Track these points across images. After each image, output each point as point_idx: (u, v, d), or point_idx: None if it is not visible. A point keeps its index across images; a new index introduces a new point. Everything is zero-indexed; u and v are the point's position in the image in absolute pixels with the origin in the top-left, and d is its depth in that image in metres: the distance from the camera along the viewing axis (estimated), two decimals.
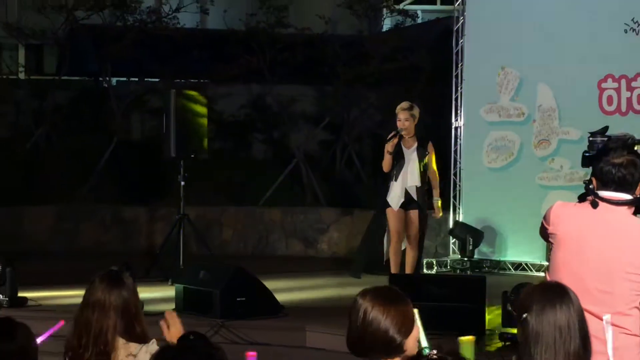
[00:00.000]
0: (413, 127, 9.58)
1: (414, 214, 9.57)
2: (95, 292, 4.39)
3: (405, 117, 9.54)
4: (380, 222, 10.15)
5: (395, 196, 9.57)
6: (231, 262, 11.33)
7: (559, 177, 11.91)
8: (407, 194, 9.56)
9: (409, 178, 9.51)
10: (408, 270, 9.82)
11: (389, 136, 9.60)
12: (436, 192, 10.00)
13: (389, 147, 9.51)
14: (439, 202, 10.00)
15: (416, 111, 9.60)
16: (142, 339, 4.37)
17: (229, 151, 17.05)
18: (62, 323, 4.01)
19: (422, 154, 9.53)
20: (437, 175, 10.01)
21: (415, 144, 9.55)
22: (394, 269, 9.78)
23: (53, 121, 17.06)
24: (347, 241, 14.29)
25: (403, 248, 9.84)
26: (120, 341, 4.31)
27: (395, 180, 9.56)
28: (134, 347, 4.32)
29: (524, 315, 3.59)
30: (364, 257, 11.83)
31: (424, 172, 9.63)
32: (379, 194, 14.88)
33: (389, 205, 9.65)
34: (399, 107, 9.65)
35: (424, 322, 4.11)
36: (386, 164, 9.61)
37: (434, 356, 2.96)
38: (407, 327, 3.75)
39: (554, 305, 3.62)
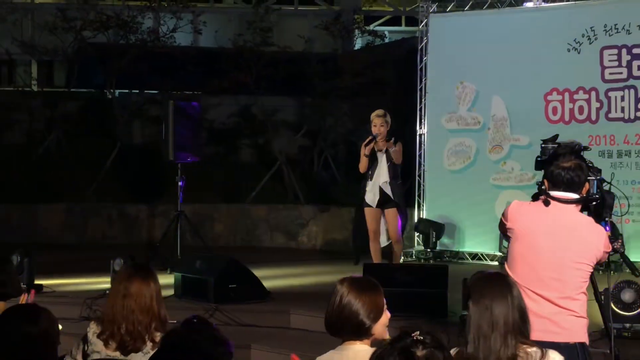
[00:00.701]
0: (386, 132, 9.49)
1: (392, 211, 9.43)
2: (126, 280, 4.39)
3: (380, 123, 9.38)
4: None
5: (371, 194, 9.44)
6: (223, 253, 11.32)
7: (510, 178, 11.92)
8: (383, 193, 9.40)
9: (381, 176, 9.44)
10: (396, 260, 9.77)
11: (366, 141, 9.44)
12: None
13: (366, 150, 9.38)
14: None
15: (389, 118, 9.52)
16: (164, 323, 4.42)
17: (219, 155, 17.01)
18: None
19: (390, 153, 9.43)
20: (400, 156, 9.58)
21: (386, 147, 9.47)
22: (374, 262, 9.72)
23: (63, 128, 17.01)
24: (324, 234, 14.31)
25: (388, 243, 9.72)
26: (150, 327, 4.36)
27: (371, 179, 9.43)
28: (157, 334, 4.35)
29: (469, 302, 3.66)
30: (359, 246, 11.73)
31: (392, 167, 9.43)
32: (353, 193, 15.00)
33: (367, 204, 9.52)
34: (374, 114, 9.50)
35: (394, 307, 4.13)
36: (363, 165, 9.48)
37: (417, 337, 2.92)
38: (376, 314, 3.82)
39: (492, 292, 3.67)
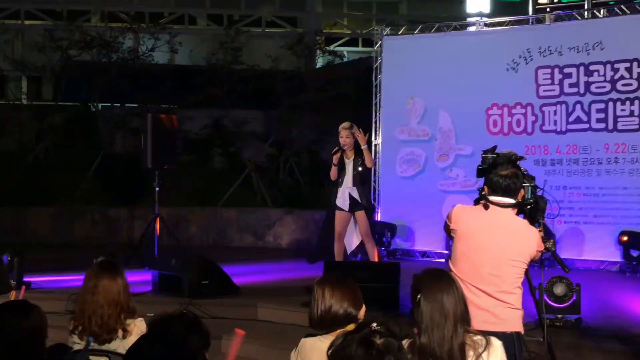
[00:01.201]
0: (352, 143, 9.36)
1: (360, 214, 9.31)
2: (96, 277, 4.35)
3: (346, 135, 9.24)
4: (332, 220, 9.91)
5: (341, 199, 9.34)
6: (196, 252, 11.25)
7: (456, 183, 11.94)
8: (352, 197, 9.30)
9: (348, 183, 9.40)
10: (372, 258, 9.59)
11: (333, 151, 9.36)
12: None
13: (334, 160, 9.31)
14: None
15: (355, 129, 9.47)
16: (132, 313, 4.38)
17: (194, 163, 16.93)
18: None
19: (356, 161, 9.36)
20: (371, 160, 9.51)
21: (353, 156, 9.33)
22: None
23: (51, 138, 16.89)
24: (289, 235, 14.27)
25: (358, 243, 9.61)
26: (118, 315, 4.32)
27: (340, 186, 9.33)
28: (128, 320, 4.33)
29: (418, 297, 3.64)
30: (317, 247, 11.70)
31: (360, 175, 9.29)
32: (316, 197, 15.01)
33: (338, 208, 9.42)
34: (341, 126, 9.36)
35: None
36: (333, 173, 9.37)
37: (374, 328, 2.94)
38: (359, 302, 3.93)
39: (441, 287, 3.67)
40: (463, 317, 3.65)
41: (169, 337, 2.82)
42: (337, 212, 9.46)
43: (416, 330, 3.64)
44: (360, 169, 9.32)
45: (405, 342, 3.57)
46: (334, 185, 9.51)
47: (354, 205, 9.33)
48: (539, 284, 6.60)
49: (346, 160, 9.35)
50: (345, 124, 9.45)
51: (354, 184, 9.31)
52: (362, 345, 2.85)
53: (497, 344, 3.70)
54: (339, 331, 3.72)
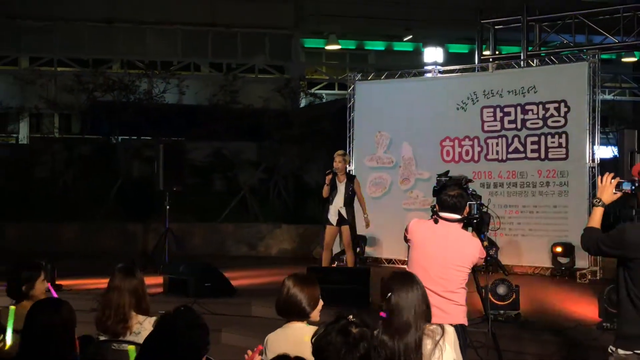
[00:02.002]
0: (344, 167, 9.38)
1: (345, 228, 9.32)
2: (115, 280, 4.31)
3: (339, 160, 9.27)
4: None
5: (331, 215, 9.33)
6: (200, 260, 11.18)
7: (416, 202, 11.92)
8: (340, 214, 9.29)
9: (339, 202, 9.33)
10: (349, 264, 9.59)
11: (327, 172, 9.35)
12: (365, 211, 9.56)
13: (327, 180, 9.29)
14: (368, 217, 9.58)
15: (347, 157, 9.38)
16: (147, 312, 4.31)
17: (198, 185, 16.84)
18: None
19: (347, 185, 9.29)
20: (363, 200, 9.69)
21: (345, 180, 9.34)
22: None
23: (78, 166, 16.76)
24: (277, 245, 14.22)
25: (340, 250, 9.55)
26: (133, 313, 4.24)
27: (331, 204, 9.31)
28: (141, 317, 4.25)
29: (389, 295, 3.62)
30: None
31: (349, 197, 9.30)
32: (300, 214, 14.99)
33: (329, 223, 9.38)
34: (336, 153, 9.36)
35: (329, 299, 4.16)
36: (325, 192, 9.34)
37: (351, 319, 2.95)
38: (314, 302, 3.90)
39: (407, 286, 3.66)
40: (424, 313, 3.67)
41: (174, 332, 2.81)
42: (328, 227, 9.42)
43: (382, 321, 3.64)
44: (350, 192, 9.33)
45: (375, 332, 3.57)
46: (326, 202, 9.50)
47: (341, 221, 9.33)
48: (485, 286, 6.65)
49: (338, 183, 9.32)
50: (340, 152, 9.46)
51: (344, 204, 9.31)
52: (341, 334, 2.87)
53: (450, 330, 3.71)
54: (292, 323, 3.85)
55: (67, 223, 14.66)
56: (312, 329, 3.24)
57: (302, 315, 3.85)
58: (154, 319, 4.28)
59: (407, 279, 3.74)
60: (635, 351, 3.93)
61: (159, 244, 11.33)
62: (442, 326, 3.69)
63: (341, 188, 9.33)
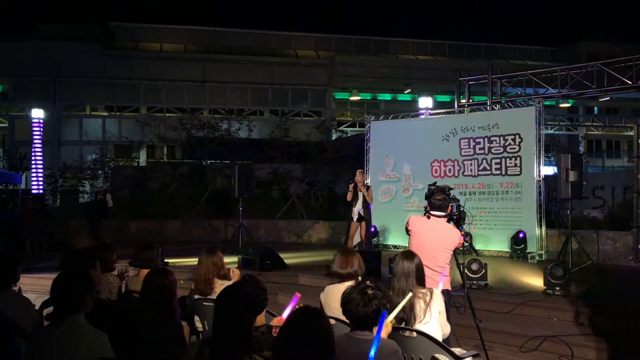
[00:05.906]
0: (363, 180, 9.39)
1: (364, 224, 9.35)
2: (202, 257, 4.37)
3: (359, 175, 9.36)
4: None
5: (354, 214, 9.35)
6: (263, 245, 11.21)
7: (413, 205, 11.78)
8: (359, 214, 9.31)
9: (359, 205, 9.33)
10: (367, 248, 9.49)
11: (350, 182, 9.39)
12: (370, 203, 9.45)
13: (350, 188, 9.35)
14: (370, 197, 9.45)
15: (365, 174, 9.31)
16: (226, 278, 4.35)
17: (261, 194, 16.98)
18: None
19: (364, 193, 9.33)
20: (371, 198, 9.43)
21: (364, 189, 9.34)
22: None
23: (179, 181, 16.95)
24: (317, 235, 14.17)
25: (358, 241, 9.57)
26: (216, 279, 4.29)
27: (354, 206, 9.34)
28: (221, 282, 4.29)
29: (392, 264, 3.64)
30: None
31: (366, 202, 9.28)
32: (332, 214, 14.91)
33: (352, 219, 9.41)
34: (357, 171, 9.49)
35: None
36: (349, 197, 9.37)
37: (367, 284, 2.94)
38: (361, 267, 3.86)
39: (406, 259, 3.68)
40: (416, 276, 3.65)
41: (239, 292, 2.79)
42: (352, 223, 9.45)
43: (389, 283, 3.63)
44: (365, 193, 9.35)
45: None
46: (350, 205, 9.48)
47: (360, 218, 9.35)
48: (462, 263, 6.58)
49: (359, 192, 9.35)
50: (360, 170, 9.65)
51: (362, 206, 9.34)
52: (359, 293, 2.87)
53: (437, 292, 3.68)
54: (347, 283, 3.72)
55: (171, 220, 14.79)
56: None
57: (348, 278, 3.83)
58: (229, 282, 4.33)
59: (408, 255, 3.75)
60: None
61: (235, 234, 11.38)
62: (431, 290, 3.68)
63: (361, 195, 9.34)
